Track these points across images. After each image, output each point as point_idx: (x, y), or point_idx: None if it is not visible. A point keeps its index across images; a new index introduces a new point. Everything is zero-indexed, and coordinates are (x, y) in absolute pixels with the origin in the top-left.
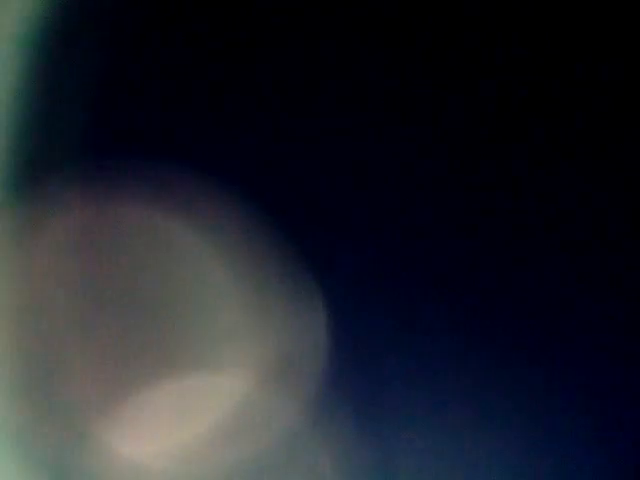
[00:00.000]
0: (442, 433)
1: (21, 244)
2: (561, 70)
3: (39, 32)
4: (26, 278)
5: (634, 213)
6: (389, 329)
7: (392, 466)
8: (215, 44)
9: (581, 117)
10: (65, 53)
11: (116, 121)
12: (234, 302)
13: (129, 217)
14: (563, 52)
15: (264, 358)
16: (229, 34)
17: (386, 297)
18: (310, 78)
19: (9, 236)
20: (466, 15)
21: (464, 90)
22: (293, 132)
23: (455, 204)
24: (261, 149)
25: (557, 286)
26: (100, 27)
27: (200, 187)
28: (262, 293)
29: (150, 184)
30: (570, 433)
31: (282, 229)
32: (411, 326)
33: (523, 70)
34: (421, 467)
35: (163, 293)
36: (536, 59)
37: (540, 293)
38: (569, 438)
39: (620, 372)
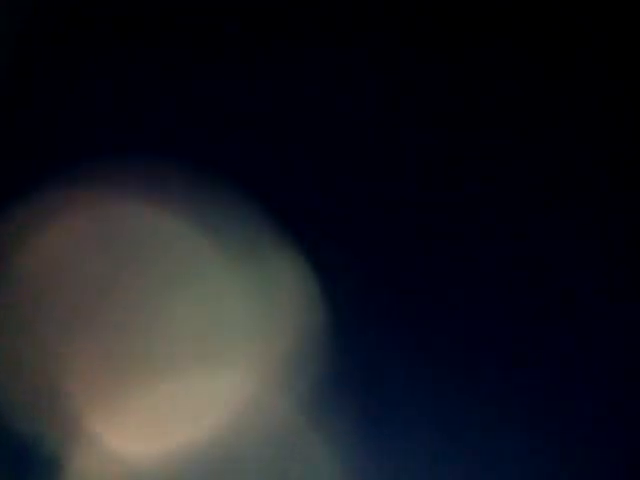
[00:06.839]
0: (443, 433)
1: (21, 245)
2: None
3: None
4: (26, 278)
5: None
6: (390, 329)
7: (392, 466)
8: (214, 43)
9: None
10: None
11: (115, 121)
12: (236, 302)
13: (129, 216)
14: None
15: (265, 358)
16: (229, 35)
17: (388, 298)
18: (310, 79)
19: (9, 237)
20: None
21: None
22: (294, 132)
23: (457, 205)
24: (263, 149)
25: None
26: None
27: (201, 187)
28: (264, 293)
29: (150, 184)
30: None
31: (284, 229)
32: (412, 327)
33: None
34: (421, 467)
35: (163, 293)
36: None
37: (541, 299)
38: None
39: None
